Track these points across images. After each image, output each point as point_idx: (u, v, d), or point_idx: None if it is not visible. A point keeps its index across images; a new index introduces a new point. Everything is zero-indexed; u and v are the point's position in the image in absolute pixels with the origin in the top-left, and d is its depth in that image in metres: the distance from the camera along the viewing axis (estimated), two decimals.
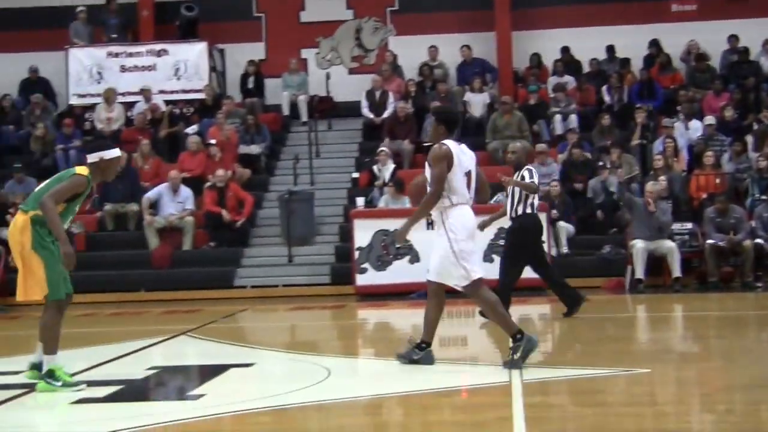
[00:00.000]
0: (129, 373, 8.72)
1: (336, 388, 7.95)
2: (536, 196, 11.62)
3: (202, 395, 7.70)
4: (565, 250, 16.38)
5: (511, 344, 8.20)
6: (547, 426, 6.41)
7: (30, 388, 7.98)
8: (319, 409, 7.19)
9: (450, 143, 8.27)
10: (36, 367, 8.15)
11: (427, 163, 8.36)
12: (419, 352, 8.53)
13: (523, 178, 11.46)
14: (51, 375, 7.87)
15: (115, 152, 8.21)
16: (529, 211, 11.56)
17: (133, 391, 7.97)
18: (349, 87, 21.18)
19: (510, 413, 6.56)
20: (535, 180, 11.51)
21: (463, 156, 8.29)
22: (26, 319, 14.64)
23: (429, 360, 8.52)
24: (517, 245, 11.72)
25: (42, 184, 8.20)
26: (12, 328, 14.02)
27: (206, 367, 9.19)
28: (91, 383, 8.20)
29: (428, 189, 8.28)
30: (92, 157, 8.09)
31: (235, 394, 7.78)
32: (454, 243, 8.15)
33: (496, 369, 8.61)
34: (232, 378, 8.44)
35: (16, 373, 8.81)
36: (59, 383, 7.83)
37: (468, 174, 8.29)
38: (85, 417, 6.97)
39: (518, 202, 11.56)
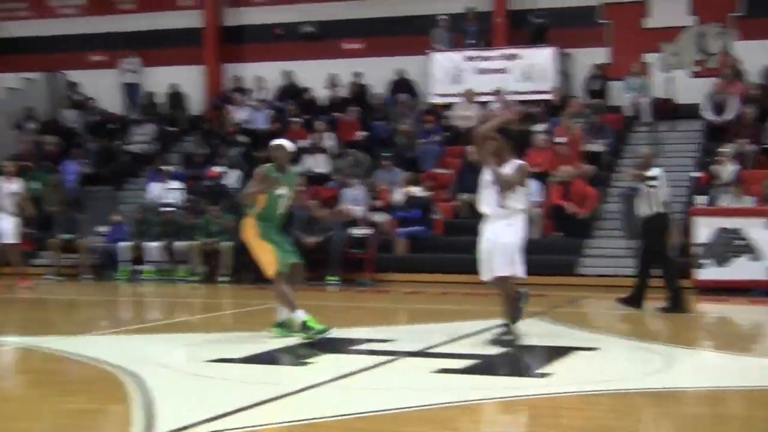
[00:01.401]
0: (484, 349, 8.92)
1: (675, 378, 7.77)
2: (665, 196, 11.96)
3: (548, 374, 7.77)
4: None
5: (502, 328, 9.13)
6: None
7: (395, 355, 8.40)
8: (657, 395, 7.04)
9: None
10: (281, 324, 9.52)
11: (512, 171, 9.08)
12: (508, 332, 9.23)
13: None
14: (305, 326, 9.08)
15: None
16: (658, 210, 11.84)
17: (487, 366, 8.14)
18: (690, 90, 20.41)
19: None
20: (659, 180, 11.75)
21: None
22: (394, 294, 15.35)
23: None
24: (649, 245, 11.94)
25: None
26: (381, 301, 14.72)
27: (552, 348, 9.20)
28: (450, 356, 8.54)
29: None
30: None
31: (579, 375, 7.80)
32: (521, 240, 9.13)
33: None
34: (576, 360, 8.44)
35: (385, 341, 9.32)
36: (311, 331, 9.08)
37: None
38: (445, 385, 7.19)
39: (646, 203, 11.87)
